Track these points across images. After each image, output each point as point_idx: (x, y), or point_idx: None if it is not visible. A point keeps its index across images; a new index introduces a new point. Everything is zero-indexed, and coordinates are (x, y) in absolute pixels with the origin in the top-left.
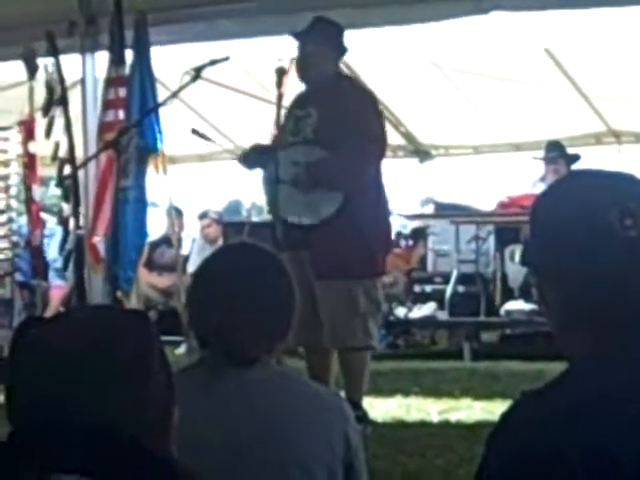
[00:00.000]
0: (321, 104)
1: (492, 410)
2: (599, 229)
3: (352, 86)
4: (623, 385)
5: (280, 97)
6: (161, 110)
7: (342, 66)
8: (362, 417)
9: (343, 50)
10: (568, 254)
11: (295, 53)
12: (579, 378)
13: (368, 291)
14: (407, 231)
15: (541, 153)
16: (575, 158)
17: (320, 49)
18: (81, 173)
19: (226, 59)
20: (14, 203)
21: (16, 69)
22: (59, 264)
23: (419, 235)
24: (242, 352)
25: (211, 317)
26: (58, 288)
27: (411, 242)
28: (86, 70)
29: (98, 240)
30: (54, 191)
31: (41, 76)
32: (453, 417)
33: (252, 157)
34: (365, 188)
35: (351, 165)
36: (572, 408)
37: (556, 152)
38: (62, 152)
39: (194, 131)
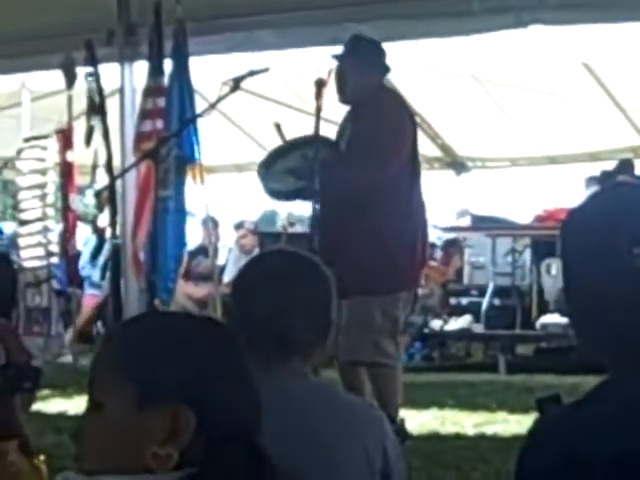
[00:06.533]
0: (356, 119)
1: (527, 424)
2: (607, 257)
3: (386, 100)
4: None
5: (319, 109)
6: (199, 120)
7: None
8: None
9: (385, 68)
10: (576, 279)
11: (333, 65)
12: (607, 391)
13: (385, 308)
14: (442, 243)
15: (578, 166)
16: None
17: (356, 68)
18: (118, 182)
19: (265, 70)
20: (51, 211)
21: (55, 78)
22: (88, 272)
23: (454, 247)
24: (280, 361)
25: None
26: (90, 296)
27: (445, 254)
28: (125, 79)
29: (140, 250)
30: (90, 200)
31: (79, 85)
32: (488, 430)
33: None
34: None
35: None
36: (603, 418)
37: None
38: (99, 161)
39: (277, 126)
